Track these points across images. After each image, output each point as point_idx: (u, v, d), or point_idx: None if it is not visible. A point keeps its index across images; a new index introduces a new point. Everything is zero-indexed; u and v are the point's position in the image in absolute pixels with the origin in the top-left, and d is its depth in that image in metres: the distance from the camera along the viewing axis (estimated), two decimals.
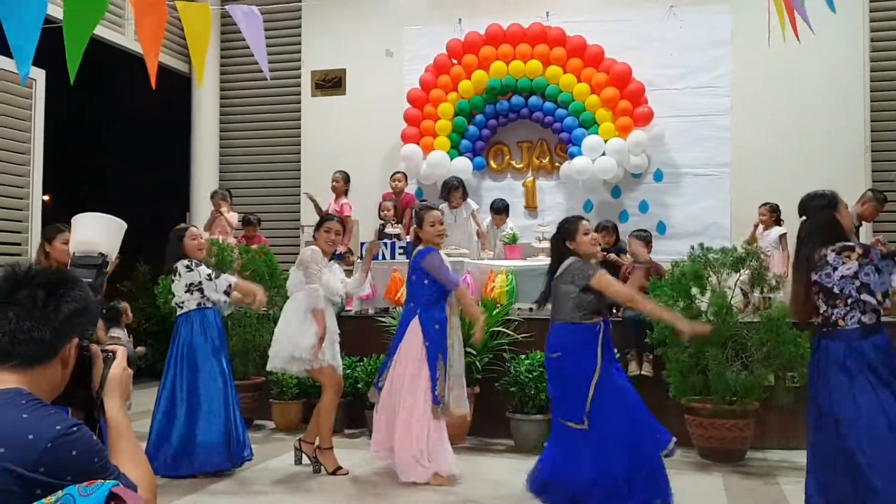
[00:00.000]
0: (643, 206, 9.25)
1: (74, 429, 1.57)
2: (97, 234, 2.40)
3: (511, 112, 9.35)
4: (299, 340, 5.31)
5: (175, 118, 11.34)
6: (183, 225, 5.78)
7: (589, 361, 4.46)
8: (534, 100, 9.19)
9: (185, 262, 5.44)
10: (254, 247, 7.82)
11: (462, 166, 9.17)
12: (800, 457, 5.05)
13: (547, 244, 5.16)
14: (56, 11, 4.48)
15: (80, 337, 1.75)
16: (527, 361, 6.28)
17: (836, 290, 3.61)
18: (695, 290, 6.05)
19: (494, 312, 6.61)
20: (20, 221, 7.95)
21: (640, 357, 6.34)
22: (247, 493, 5.05)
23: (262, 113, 10.74)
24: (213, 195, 9.13)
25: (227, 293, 5.49)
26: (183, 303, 5.47)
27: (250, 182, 10.65)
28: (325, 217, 5.75)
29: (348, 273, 6.13)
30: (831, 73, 8.73)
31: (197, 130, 10.68)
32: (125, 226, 2.49)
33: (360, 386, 6.64)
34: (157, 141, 14.28)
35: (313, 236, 5.65)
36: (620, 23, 9.29)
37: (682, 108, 9.13)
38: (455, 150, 9.32)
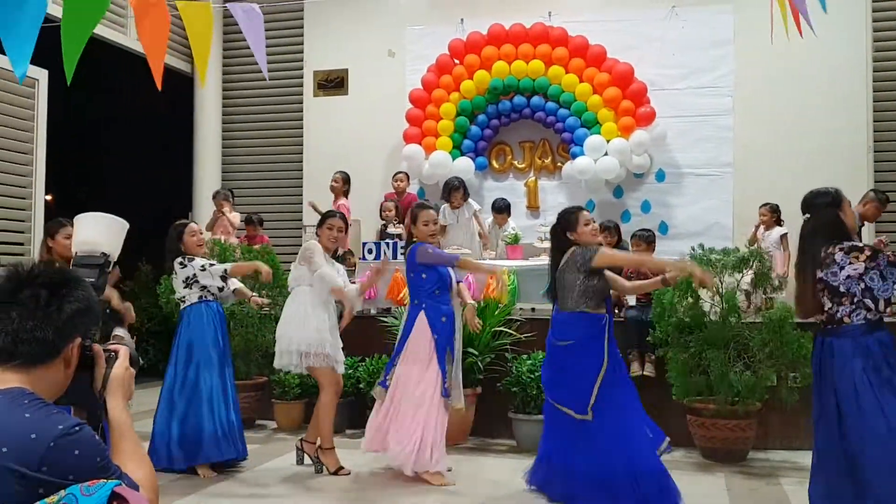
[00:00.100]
0: (645, 207, 9.25)
1: (77, 428, 1.57)
2: (99, 233, 2.39)
3: (513, 112, 9.35)
4: (302, 334, 5.32)
5: (177, 118, 11.34)
6: (183, 221, 5.79)
7: (597, 354, 4.49)
8: (536, 100, 9.19)
9: (180, 258, 5.45)
10: (256, 247, 7.82)
11: (464, 166, 9.17)
12: (802, 457, 5.06)
13: (549, 244, 5.16)
14: (58, 11, 4.49)
15: (83, 337, 1.75)
16: (528, 362, 6.27)
17: (841, 288, 3.61)
18: (700, 291, 6.04)
19: (496, 312, 6.61)
20: (23, 221, 7.95)
21: (642, 357, 6.34)
22: (248, 493, 5.06)
23: (264, 113, 10.74)
24: (216, 195, 9.13)
25: (223, 278, 5.47)
26: (184, 297, 5.50)
27: (253, 182, 10.65)
28: (327, 214, 5.75)
29: (349, 273, 6.14)
30: (833, 72, 8.71)
31: (199, 130, 10.68)
32: (127, 225, 2.49)
33: (361, 386, 6.63)
34: (160, 141, 14.29)
35: (316, 233, 5.67)
36: (622, 23, 9.28)
37: (684, 108, 9.12)
38: (457, 151, 9.32)
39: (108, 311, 5.88)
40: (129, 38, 9.26)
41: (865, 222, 7.65)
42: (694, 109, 9.12)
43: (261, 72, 4.65)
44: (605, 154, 8.80)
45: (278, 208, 10.37)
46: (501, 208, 8.52)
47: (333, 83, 10.29)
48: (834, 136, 8.65)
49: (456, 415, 5.50)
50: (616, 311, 6.12)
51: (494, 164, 9.70)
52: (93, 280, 2.03)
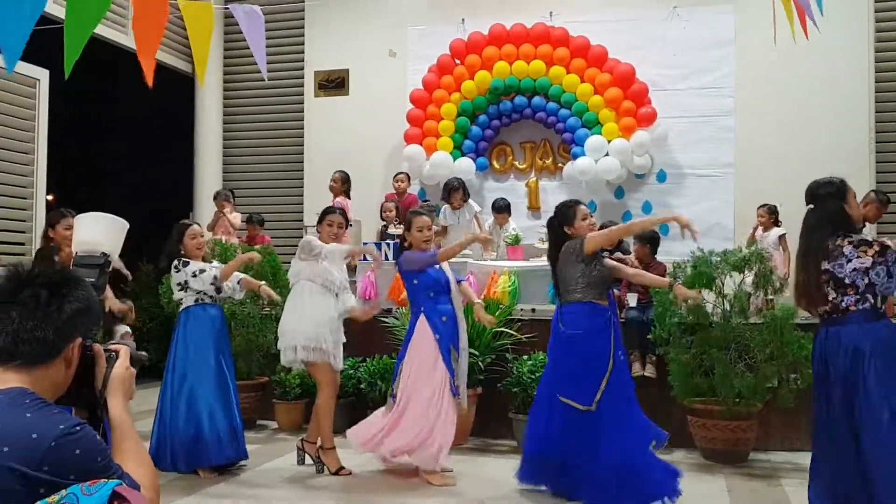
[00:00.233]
0: (646, 207, 9.24)
1: (78, 428, 1.57)
2: (99, 233, 2.39)
3: (514, 112, 9.35)
4: (301, 328, 5.33)
5: (178, 118, 11.34)
6: (186, 221, 5.79)
7: (604, 347, 4.51)
8: (537, 100, 9.20)
9: (175, 262, 5.45)
10: (257, 247, 7.82)
11: (465, 167, 9.17)
12: (803, 458, 5.05)
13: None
14: (60, 11, 4.49)
15: (84, 336, 1.75)
16: (529, 362, 6.27)
17: (847, 280, 3.61)
18: (705, 293, 6.03)
19: (497, 313, 6.61)
20: (24, 221, 7.96)
21: (643, 358, 6.34)
22: (249, 494, 5.05)
23: (265, 113, 10.75)
24: (216, 196, 9.14)
25: (214, 285, 5.46)
26: (181, 300, 5.50)
27: (253, 182, 10.65)
28: (326, 210, 5.76)
29: (350, 273, 6.14)
30: (835, 73, 8.71)
31: (200, 130, 10.69)
32: (127, 225, 2.49)
33: (362, 386, 6.63)
34: (161, 141, 14.29)
35: (316, 230, 5.68)
36: (624, 23, 9.28)
37: (685, 108, 9.12)
38: (458, 151, 9.33)
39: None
40: (129, 38, 9.25)
41: (866, 223, 7.64)
42: (695, 110, 9.12)
43: (261, 72, 4.65)
44: (606, 154, 8.80)
45: (279, 208, 10.38)
46: (502, 208, 8.52)
47: (334, 83, 10.29)
48: (835, 136, 8.64)
49: (464, 420, 5.50)
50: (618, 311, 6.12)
51: (495, 164, 9.70)
52: (93, 280, 2.03)
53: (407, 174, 9.02)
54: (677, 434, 6.04)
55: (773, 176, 8.62)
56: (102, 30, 8.59)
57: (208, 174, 10.59)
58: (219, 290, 5.48)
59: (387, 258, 7.37)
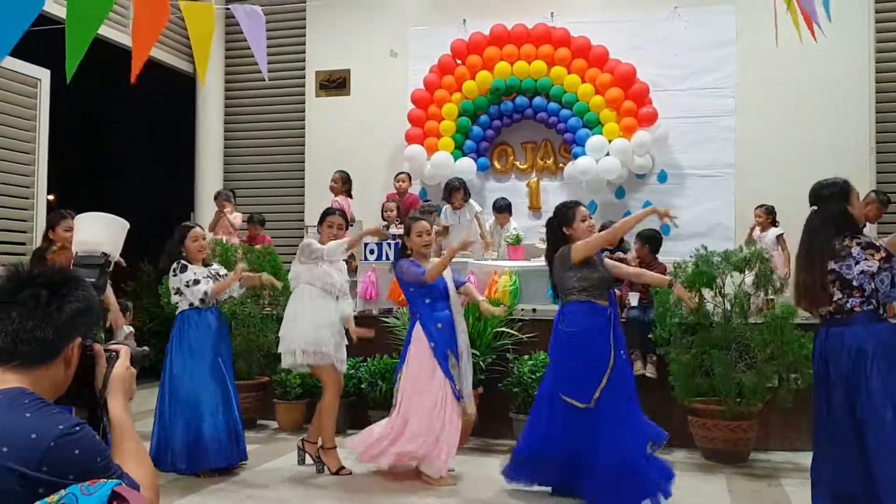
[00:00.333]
0: (647, 207, 9.22)
1: (77, 428, 1.57)
2: (99, 233, 2.39)
3: (515, 113, 9.35)
4: (301, 333, 5.34)
5: (180, 118, 11.35)
6: (188, 223, 5.79)
7: (604, 346, 4.52)
8: (538, 100, 9.19)
9: (174, 265, 5.45)
10: (258, 247, 7.82)
11: (466, 167, 9.17)
12: (804, 458, 5.05)
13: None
14: (61, 11, 4.49)
15: (83, 336, 1.75)
16: (530, 362, 6.28)
17: (854, 282, 3.62)
18: (704, 292, 6.04)
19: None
20: (25, 221, 7.96)
21: (644, 357, 6.34)
22: (249, 494, 5.06)
23: (266, 113, 10.75)
24: (217, 196, 9.14)
25: (203, 301, 5.43)
26: (177, 303, 5.50)
27: (254, 182, 10.65)
28: (326, 211, 5.77)
29: (350, 273, 6.15)
30: (836, 73, 8.69)
31: (201, 130, 10.69)
32: (127, 225, 2.49)
33: (363, 386, 6.64)
34: (162, 141, 14.31)
35: (317, 231, 5.68)
36: (625, 23, 9.27)
37: (686, 108, 9.11)
38: (459, 151, 9.32)
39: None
40: (131, 39, 9.25)
41: (867, 223, 7.63)
42: (696, 110, 9.11)
43: (262, 72, 4.65)
44: (607, 154, 8.80)
45: (280, 208, 10.38)
46: (502, 208, 8.52)
47: (335, 83, 10.29)
48: (836, 136, 8.63)
49: (466, 421, 5.47)
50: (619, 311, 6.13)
51: (496, 164, 9.70)
52: (93, 280, 2.03)
53: (408, 174, 9.02)
54: (678, 434, 6.04)
55: (774, 176, 8.61)
56: (104, 30, 8.59)
57: (209, 174, 10.60)
58: (203, 301, 5.46)
59: (388, 258, 7.37)
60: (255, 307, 7.12)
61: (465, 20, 9.64)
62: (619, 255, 7.19)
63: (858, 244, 3.64)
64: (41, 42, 7.02)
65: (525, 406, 6.23)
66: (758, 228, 8.07)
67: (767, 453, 6.09)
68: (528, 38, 9.17)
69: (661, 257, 6.75)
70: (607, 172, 8.83)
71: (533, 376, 6.15)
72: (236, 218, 8.99)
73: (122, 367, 1.83)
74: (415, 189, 9.29)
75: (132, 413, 1.84)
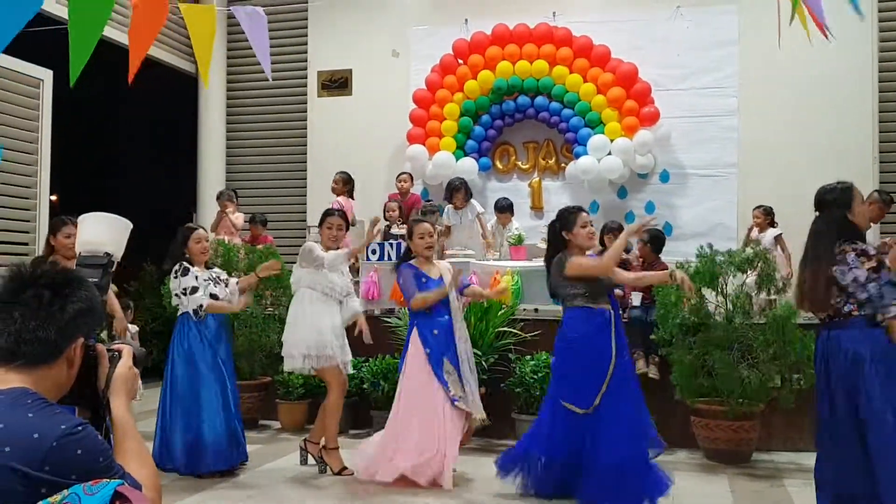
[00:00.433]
0: (649, 207, 9.23)
1: (79, 428, 1.57)
2: (102, 233, 2.39)
3: (517, 112, 9.35)
4: (304, 336, 5.34)
5: (182, 118, 11.37)
6: (192, 225, 5.78)
7: (603, 350, 4.50)
8: (540, 100, 9.19)
9: (176, 267, 5.44)
10: (260, 247, 7.83)
11: (468, 167, 9.17)
12: (806, 459, 5.05)
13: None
14: (63, 11, 4.50)
15: (86, 336, 1.75)
16: (532, 362, 6.28)
17: (850, 288, 3.65)
18: (706, 291, 6.03)
19: (500, 313, 6.62)
20: (28, 221, 7.97)
21: (647, 357, 6.33)
22: (251, 494, 5.06)
23: (268, 113, 10.76)
24: (220, 196, 9.15)
25: (196, 312, 5.40)
26: (177, 305, 5.50)
27: (257, 182, 10.66)
28: (326, 212, 5.75)
29: (353, 273, 6.15)
30: (839, 73, 8.68)
31: (204, 130, 10.70)
32: (130, 225, 2.49)
33: (365, 386, 6.64)
34: (164, 141, 14.33)
35: (319, 232, 5.68)
36: (627, 23, 9.27)
37: (688, 108, 9.10)
38: (461, 151, 9.32)
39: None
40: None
41: (870, 223, 7.62)
42: (698, 110, 9.10)
43: (265, 72, 4.66)
44: (609, 154, 8.79)
45: (282, 208, 10.38)
46: (504, 208, 8.52)
47: (337, 83, 10.29)
48: (839, 136, 8.63)
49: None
50: (621, 311, 6.11)
51: (498, 164, 9.70)
52: (96, 280, 2.03)
53: (410, 174, 9.01)
54: (680, 434, 6.05)
55: (776, 176, 8.61)
56: (106, 30, 8.58)
57: (211, 174, 10.60)
58: (197, 313, 5.43)
59: (389, 258, 7.38)
60: (258, 307, 7.12)
61: (466, 20, 9.64)
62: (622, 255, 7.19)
63: (854, 250, 3.66)
64: (43, 42, 7.02)
65: (527, 406, 6.24)
66: (756, 229, 8.06)
67: (770, 454, 6.08)
68: (530, 38, 9.17)
69: (662, 257, 6.74)
70: (609, 172, 8.82)
71: (535, 376, 6.15)
72: (238, 218, 9.00)
73: (125, 366, 1.83)
74: (417, 189, 9.29)
75: (135, 413, 1.84)
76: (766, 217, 8.00)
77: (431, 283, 5.28)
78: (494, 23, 9.27)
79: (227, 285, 5.61)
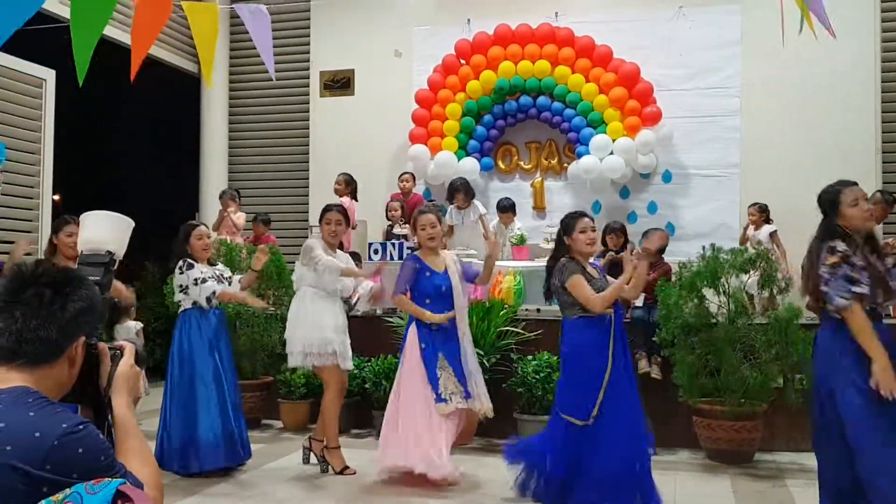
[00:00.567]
0: (652, 208, 9.22)
1: (81, 427, 1.57)
2: (104, 232, 2.38)
3: (519, 112, 9.34)
4: (305, 334, 5.34)
5: (184, 118, 11.37)
6: (193, 222, 5.79)
7: (601, 360, 4.47)
8: (542, 100, 9.18)
9: (180, 262, 5.45)
10: (262, 246, 7.82)
11: (470, 167, 9.16)
12: (808, 459, 5.04)
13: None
14: (65, 11, 4.50)
15: (87, 335, 1.75)
16: (534, 362, 6.27)
17: (822, 286, 3.68)
18: (706, 291, 6.02)
19: (502, 313, 6.61)
20: (30, 221, 7.98)
21: (649, 357, 6.32)
22: (253, 493, 5.06)
23: (270, 113, 10.76)
24: (222, 195, 9.16)
25: (208, 300, 5.44)
26: (180, 302, 5.50)
27: (259, 182, 10.67)
28: (325, 208, 5.72)
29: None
30: (842, 73, 8.67)
31: (206, 130, 10.71)
32: (133, 224, 2.48)
33: (367, 386, 6.64)
34: (167, 140, 14.34)
35: (319, 229, 5.69)
36: (629, 23, 9.26)
37: (690, 108, 9.09)
38: (463, 151, 9.32)
39: (116, 301, 5.85)
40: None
41: (874, 223, 7.60)
42: (700, 110, 9.09)
43: (267, 72, 4.66)
44: (611, 153, 8.78)
45: (285, 208, 10.39)
46: (506, 207, 8.52)
47: (340, 83, 10.30)
48: (842, 136, 8.61)
49: (471, 420, 5.43)
50: (623, 310, 6.09)
51: (500, 164, 9.69)
52: (97, 278, 2.02)
53: (412, 174, 9.01)
54: (682, 435, 6.04)
55: (779, 176, 8.60)
56: (108, 30, 8.61)
57: (214, 174, 10.61)
58: (209, 301, 5.47)
59: (392, 258, 7.38)
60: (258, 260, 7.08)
61: (469, 20, 9.63)
62: (611, 256, 7.17)
63: (829, 248, 3.68)
64: (46, 42, 7.03)
65: (529, 406, 6.23)
66: (751, 227, 8.07)
67: (772, 454, 6.07)
68: (532, 38, 9.17)
69: (665, 257, 6.74)
70: (611, 171, 8.81)
71: (537, 376, 6.15)
72: (240, 218, 9.00)
73: (127, 365, 1.83)
74: (419, 189, 9.28)
75: (137, 412, 1.84)
76: (762, 214, 8.03)
77: (436, 277, 5.28)
78: (497, 23, 9.26)
79: (230, 283, 5.63)
